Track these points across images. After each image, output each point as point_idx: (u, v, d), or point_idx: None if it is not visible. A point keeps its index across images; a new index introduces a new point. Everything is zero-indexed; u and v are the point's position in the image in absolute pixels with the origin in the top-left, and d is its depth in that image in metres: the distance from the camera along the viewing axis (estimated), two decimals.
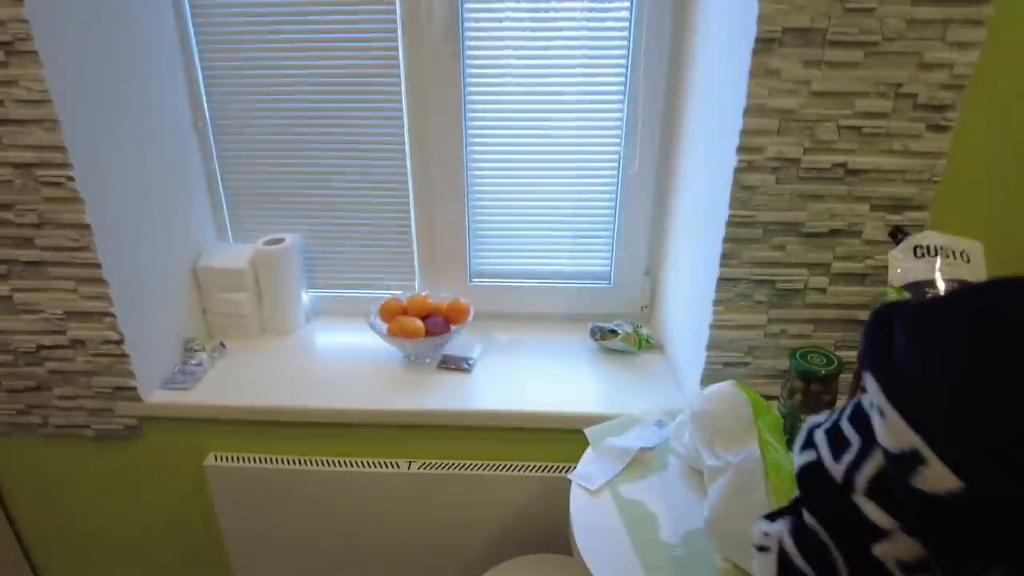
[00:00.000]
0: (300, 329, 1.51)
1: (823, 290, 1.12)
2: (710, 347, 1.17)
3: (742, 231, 1.07)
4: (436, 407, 1.25)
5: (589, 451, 1.10)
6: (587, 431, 1.13)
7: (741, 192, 1.04)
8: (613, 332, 1.40)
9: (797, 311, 1.14)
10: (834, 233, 1.08)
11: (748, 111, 0.99)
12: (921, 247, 0.75)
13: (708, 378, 1.19)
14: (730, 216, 1.06)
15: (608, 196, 1.42)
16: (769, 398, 1.21)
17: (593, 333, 1.42)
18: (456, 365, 1.34)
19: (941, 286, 0.73)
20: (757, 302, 1.13)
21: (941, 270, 0.73)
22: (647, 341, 1.43)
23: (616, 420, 1.16)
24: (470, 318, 1.38)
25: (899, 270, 0.75)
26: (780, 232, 1.08)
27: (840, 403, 0.93)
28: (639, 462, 1.07)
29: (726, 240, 1.08)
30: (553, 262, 1.49)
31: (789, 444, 1.04)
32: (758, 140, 1.01)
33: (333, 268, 1.53)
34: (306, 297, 1.53)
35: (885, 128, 1.00)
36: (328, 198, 1.45)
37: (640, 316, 1.54)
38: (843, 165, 1.03)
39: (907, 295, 0.73)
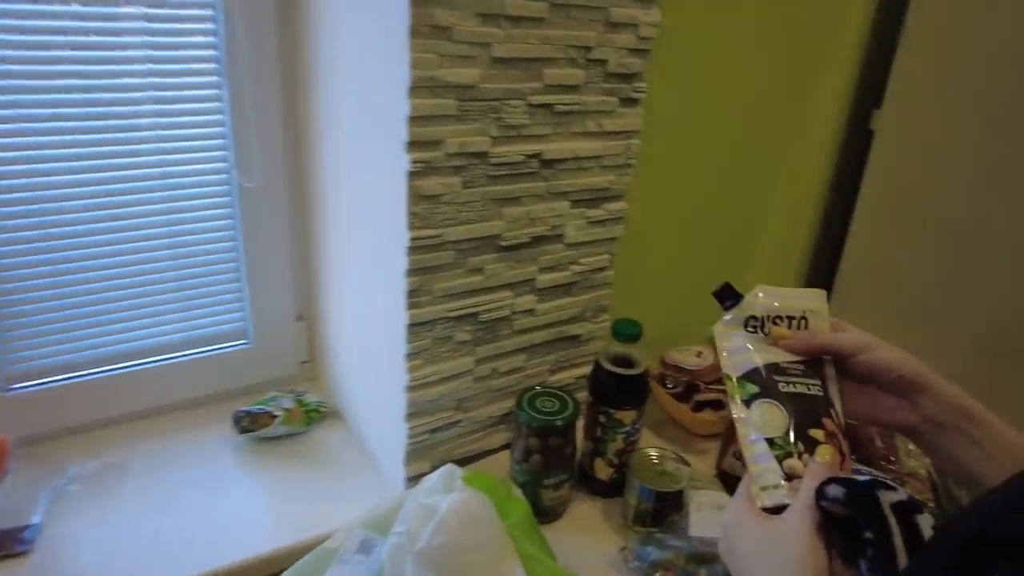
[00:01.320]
0: None
1: (531, 311, 0.90)
2: (411, 417, 0.85)
3: (429, 257, 0.77)
4: None
5: None
6: None
7: (421, 204, 0.74)
8: (267, 416, 0.99)
9: (506, 341, 0.89)
10: (536, 241, 0.85)
11: (416, 88, 0.68)
12: (755, 319, 0.57)
13: (413, 456, 0.88)
14: (412, 240, 0.75)
15: (221, 222, 0.98)
16: (488, 453, 0.97)
17: (237, 423, 0.98)
18: (2, 548, 0.78)
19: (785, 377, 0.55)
20: (460, 343, 0.85)
21: (775, 350, 0.57)
22: (317, 412, 1.05)
23: (300, 565, 0.77)
24: (9, 458, 0.82)
25: (733, 355, 0.56)
26: (476, 250, 0.81)
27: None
28: None
29: (411, 272, 0.77)
30: (151, 331, 1.00)
31: (535, 517, 0.79)
32: (433, 130, 0.71)
33: None
34: None
35: (579, 104, 0.80)
36: None
37: (301, 376, 1.15)
38: (538, 156, 0.80)
39: (751, 387, 0.53)
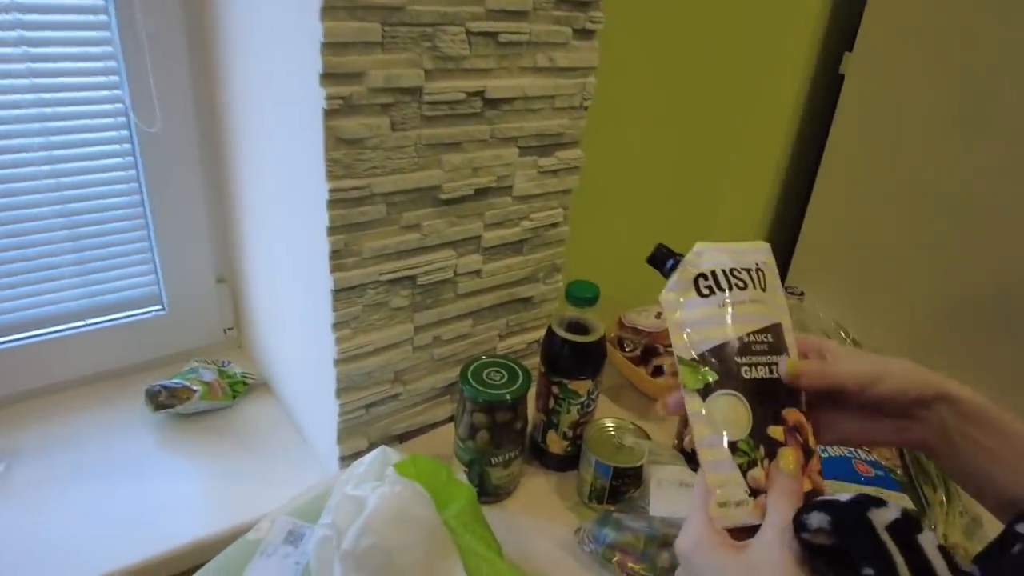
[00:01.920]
0: None
1: (477, 272, 0.81)
2: (342, 392, 0.76)
3: (355, 212, 0.67)
4: None
5: None
6: None
7: (341, 150, 0.63)
8: (186, 390, 0.89)
9: (449, 306, 0.80)
10: (481, 194, 0.76)
11: (330, 8, 0.57)
12: (706, 278, 0.47)
13: (347, 434, 0.80)
14: (332, 192, 0.64)
15: (119, 173, 0.86)
16: (433, 426, 0.89)
17: (152, 398, 0.88)
18: None
19: (752, 357, 0.46)
20: (396, 310, 0.76)
21: (739, 318, 0.46)
22: (243, 383, 0.95)
23: (218, 560, 0.68)
24: None
25: (685, 330, 0.46)
26: (411, 204, 0.71)
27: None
28: None
29: (333, 230, 0.66)
30: (45, 298, 0.88)
31: (482, 497, 0.72)
32: (353, 59, 0.60)
33: None
34: None
35: (527, 34, 0.69)
36: None
37: (226, 344, 1.04)
38: (480, 94, 0.69)
39: (709, 373, 0.44)
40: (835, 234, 1.17)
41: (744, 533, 0.40)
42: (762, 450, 0.42)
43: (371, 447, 0.83)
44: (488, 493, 0.76)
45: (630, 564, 0.69)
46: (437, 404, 0.86)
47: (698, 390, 0.43)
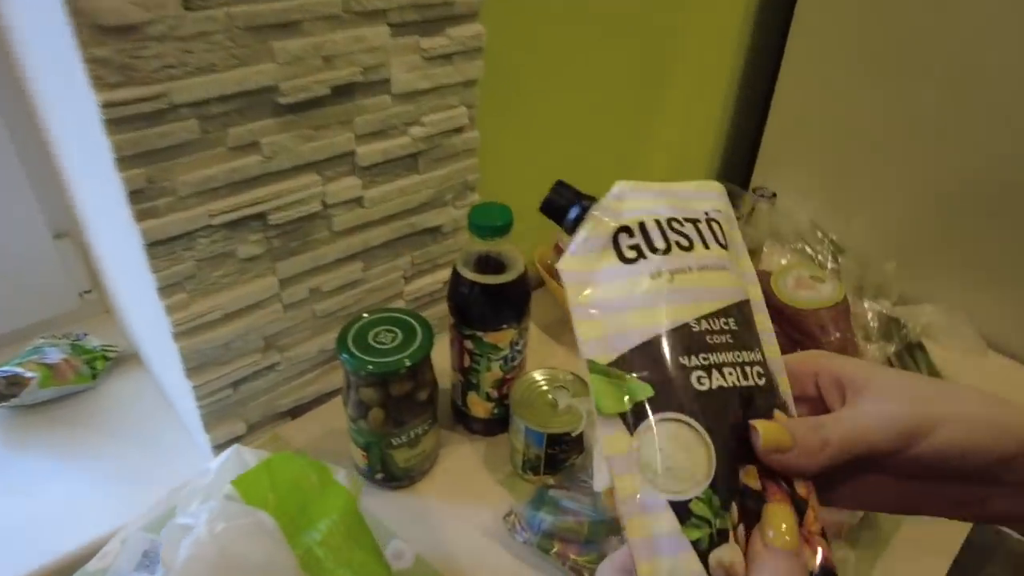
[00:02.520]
0: None
1: (357, 200, 0.62)
2: (194, 371, 0.59)
3: (150, 134, 0.47)
4: None
5: None
6: None
7: (106, 44, 0.43)
8: (18, 380, 0.71)
9: (324, 248, 0.62)
10: (342, 93, 0.56)
11: None
12: (631, 234, 0.29)
13: (214, 419, 0.63)
14: (105, 109, 0.44)
15: None
16: (330, 395, 0.71)
17: None
18: None
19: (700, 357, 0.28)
20: (247, 261, 0.58)
21: (683, 294, 0.29)
22: (103, 357, 0.77)
23: None
24: None
25: (598, 317, 0.28)
26: (237, 115, 0.51)
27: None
28: None
29: (123, 163, 0.47)
30: None
31: (390, 484, 0.57)
32: None
33: None
34: None
35: None
36: None
37: (86, 310, 0.85)
38: None
39: (642, 390, 0.26)
40: (805, 120, 0.99)
41: None
42: (735, 511, 0.25)
43: (252, 430, 0.67)
44: (395, 479, 0.61)
45: (572, 556, 0.55)
46: (333, 368, 0.70)
47: (621, 416, 0.26)
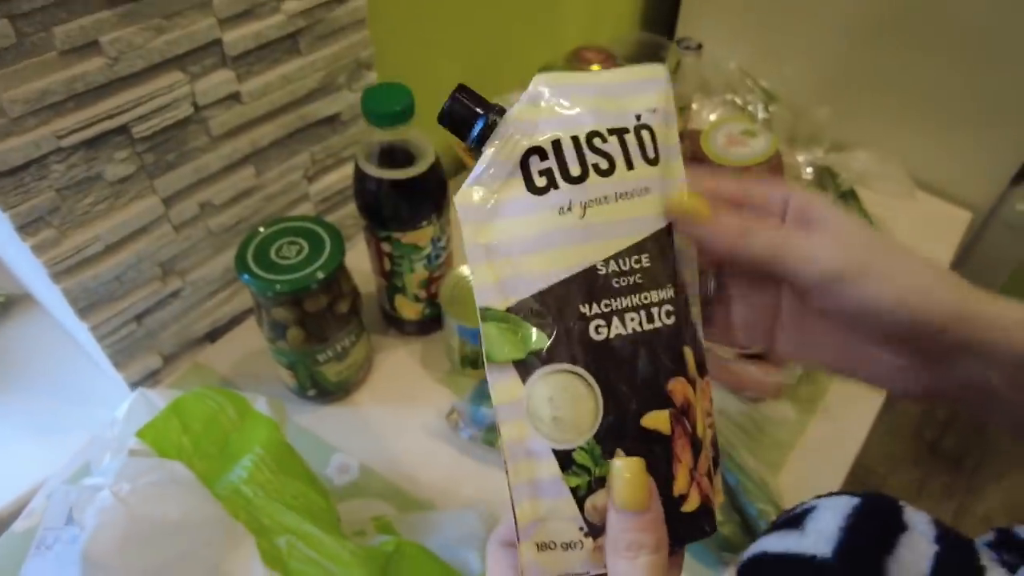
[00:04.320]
0: None
1: (234, 97, 0.54)
2: (86, 311, 0.54)
3: None
4: None
5: None
6: None
7: None
8: None
9: (206, 156, 0.55)
10: None
11: None
12: (543, 156, 0.25)
13: (124, 357, 0.59)
14: None
15: None
16: (251, 311, 0.66)
17: None
18: None
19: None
20: (119, 183, 0.51)
21: (595, 231, 0.25)
22: None
23: None
24: None
25: (497, 259, 0.25)
26: (59, 11, 0.42)
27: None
28: None
29: None
30: None
31: (324, 399, 0.55)
32: None
33: None
34: None
35: None
36: None
37: None
38: None
39: (538, 340, 0.24)
40: None
41: None
42: (619, 454, 0.24)
43: (170, 361, 0.63)
44: (329, 393, 0.59)
45: None
46: (244, 285, 0.65)
47: (516, 364, 0.25)
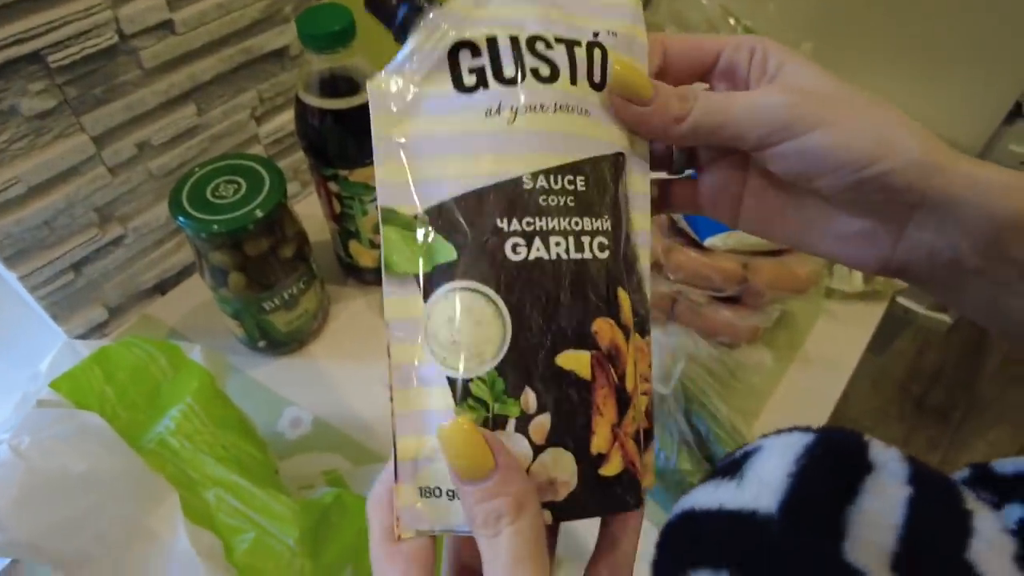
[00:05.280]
0: None
1: (166, 26, 0.50)
2: (12, 260, 0.50)
3: None
4: None
5: None
6: None
7: None
8: None
9: (141, 92, 0.52)
10: None
11: None
12: (475, 51, 0.22)
13: (63, 309, 0.55)
14: None
15: None
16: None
17: None
18: None
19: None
20: (38, 117, 0.47)
21: (527, 140, 0.22)
22: None
23: None
24: None
25: (409, 158, 0.22)
26: None
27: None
28: None
29: None
30: None
31: (277, 350, 0.52)
32: None
33: None
34: None
35: None
36: None
37: None
38: None
39: (445, 252, 0.21)
40: None
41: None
42: (530, 399, 0.21)
43: (117, 314, 0.59)
44: (280, 344, 0.56)
45: None
46: (173, 250, 0.61)
47: (417, 278, 0.22)
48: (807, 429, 0.23)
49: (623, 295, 0.23)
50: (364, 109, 0.48)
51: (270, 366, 0.56)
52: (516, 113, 0.22)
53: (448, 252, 0.21)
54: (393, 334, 0.21)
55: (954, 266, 0.22)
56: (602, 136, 0.24)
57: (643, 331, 0.24)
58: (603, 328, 0.22)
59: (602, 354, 0.22)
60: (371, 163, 0.51)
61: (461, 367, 0.21)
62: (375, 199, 0.53)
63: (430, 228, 0.22)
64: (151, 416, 0.40)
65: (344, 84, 0.48)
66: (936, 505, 0.22)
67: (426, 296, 0.21)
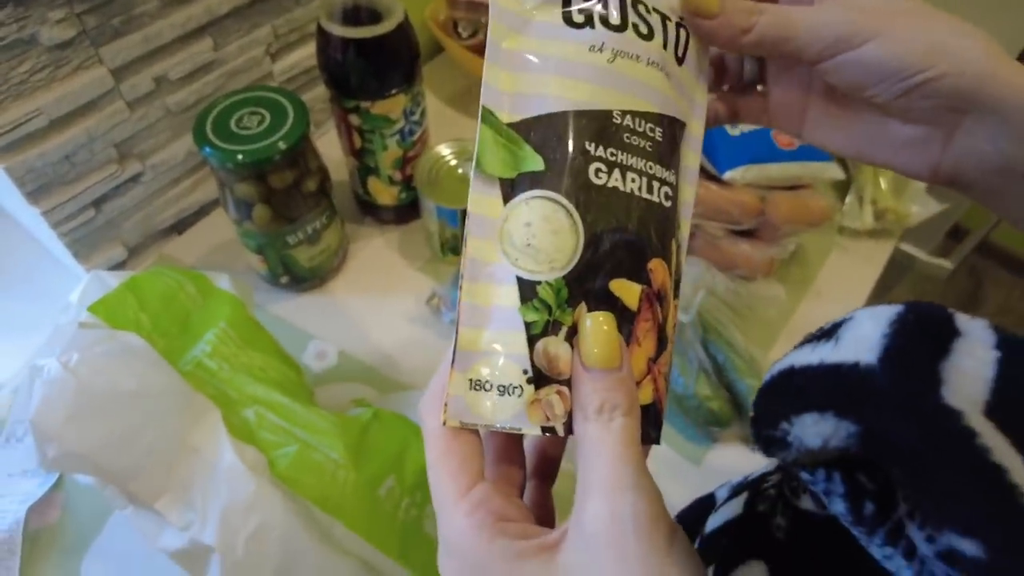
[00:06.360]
0: None
1: None
2: (34, 196, 0.50)
3: None
4: None
5: None
6: None
7: None
8: None
9: (157, 24, 0.51)
10: None
11: None
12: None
13: (83, 247, 0.56)
14: None
15: None
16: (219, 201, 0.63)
17: None
18: None
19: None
20: (58, 48, 0.47)
21: (620, 79, 0.24)
22: None
23: None
24: None
25: (513, 68, 0.23)
26: None
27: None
28: None
29: None
30: None
31: (300, 286, 0.53)
32: None
33: None
34: None
35: None
36: None
37: None
38: None
39: (533, 161, 0.22)
40: None
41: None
42: (583, 311, 0.22)
43: (135, 253, 0.60)
44: (303, 279, 0.56)
45: None
46: (198, 186, 0.61)
47: (502, 181, 0.22)
48: (892, 304, 0.24)
49: (674, 247, 0.24)
50: (387, 39, 0.48)
51: (292, 302, 0.57)
52: (616, 55, 0.24)
53: (536, 162, 0.22)
54: (472, 229, 0.22)
55: (1002, 172, 0.24)
56: (679, 102, 0.25)
57: (676, 293, 0.25)
58: (658, 268, 0.23)
59: (652, 291, 0.23)
60: (392, 94, 0.51)
61: (534, 269, 0.22)
62: (396, 132, 0.53)
63: (522, 138, 0.23)
64: (185, 342, 0.40)
65: (367, 13, 0.48)
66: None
67: (506, 200, 0.22)
